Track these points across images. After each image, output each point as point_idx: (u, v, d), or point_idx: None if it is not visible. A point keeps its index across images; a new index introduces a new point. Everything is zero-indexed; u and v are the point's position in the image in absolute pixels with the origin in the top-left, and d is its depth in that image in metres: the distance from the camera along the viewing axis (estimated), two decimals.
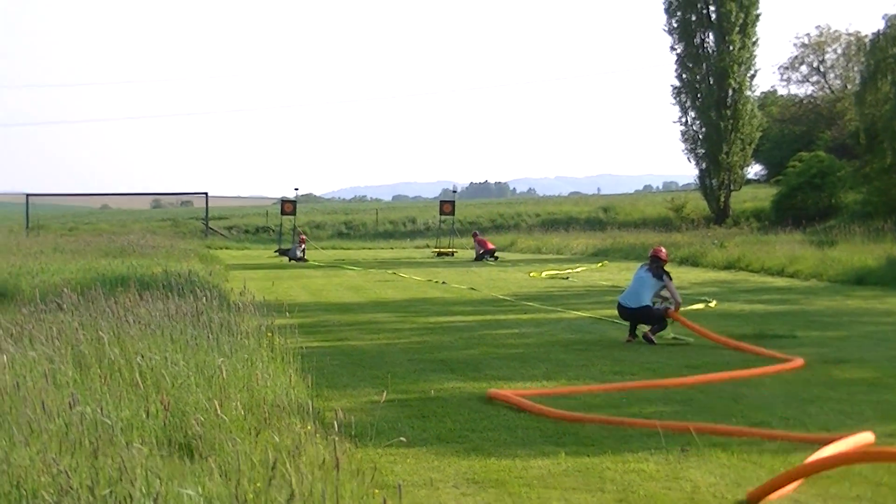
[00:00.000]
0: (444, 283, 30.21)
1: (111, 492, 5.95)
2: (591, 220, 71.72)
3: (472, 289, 27.81)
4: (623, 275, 32.76)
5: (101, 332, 10.82)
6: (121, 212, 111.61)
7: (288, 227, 64.24)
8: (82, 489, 5.93)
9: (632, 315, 17.24)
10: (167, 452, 7.54)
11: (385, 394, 10.98)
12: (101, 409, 7.83)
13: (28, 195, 75.11)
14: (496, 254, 44.84)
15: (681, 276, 31.08)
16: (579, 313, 20.85)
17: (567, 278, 31.96)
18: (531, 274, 34.27)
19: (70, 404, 7.72)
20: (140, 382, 9.00)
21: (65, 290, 14.49)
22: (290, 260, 43.98)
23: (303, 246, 45.33)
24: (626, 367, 14.03)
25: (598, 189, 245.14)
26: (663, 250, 17.63)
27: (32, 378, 9.08)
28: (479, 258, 44.03)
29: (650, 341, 16.75)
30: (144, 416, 8.23)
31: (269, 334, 12.39)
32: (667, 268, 18.84)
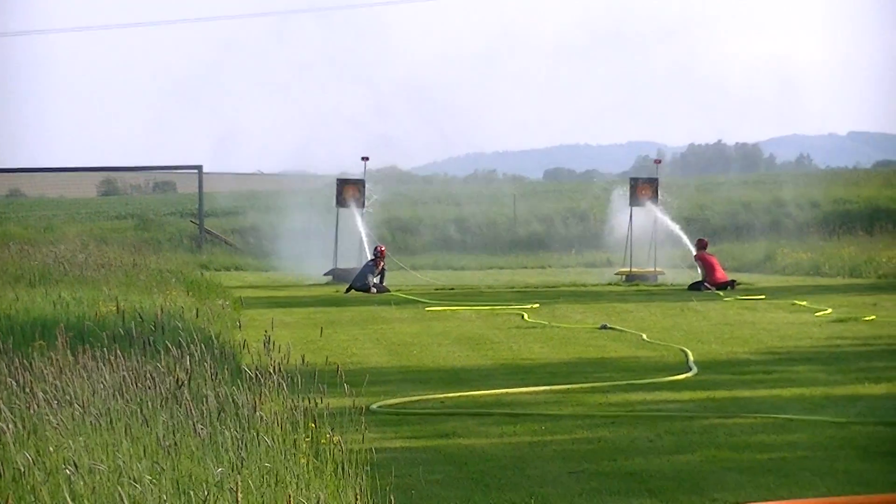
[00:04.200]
0: (604, 326, 20.72)
1: None
2: None
3: (698, 341, 19.18)
4: None
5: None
6: (44, 202, 72.08)
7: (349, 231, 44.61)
8: None
9: None
10: None
11: None
12: None
13: None
14: (734, 283, 30.08)
15: None
16: (891, 386, 15.05)
17: None
18: (816, 314, 23.02)
19: None
20: None
21: None
22: (350, 290, 30.22)
23: (381, 266, 30.95)
24: None
25: None
26: None
27: None
28: (697, 286, 29.69)
29: None
30: None
31: (314, 425, 9.44)
32: None
